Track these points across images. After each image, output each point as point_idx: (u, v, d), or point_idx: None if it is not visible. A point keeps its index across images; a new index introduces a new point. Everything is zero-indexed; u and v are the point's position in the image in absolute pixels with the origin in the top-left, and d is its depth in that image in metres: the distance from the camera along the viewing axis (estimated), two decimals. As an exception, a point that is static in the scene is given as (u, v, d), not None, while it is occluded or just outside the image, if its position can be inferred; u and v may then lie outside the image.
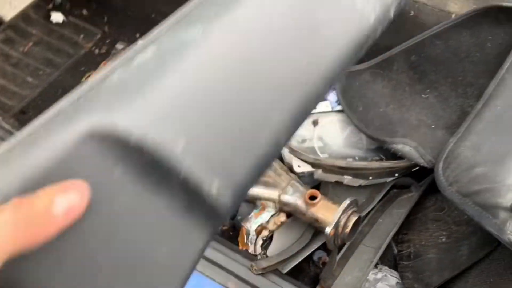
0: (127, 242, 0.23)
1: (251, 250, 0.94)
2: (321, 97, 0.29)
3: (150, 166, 0.23)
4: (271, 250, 0.92)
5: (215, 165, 0.24)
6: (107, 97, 0.23)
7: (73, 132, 0.22)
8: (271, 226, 0.93)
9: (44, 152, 0.21)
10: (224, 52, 0.26)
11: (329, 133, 1.01)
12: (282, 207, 0.93)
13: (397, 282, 0.92)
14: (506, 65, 0.88)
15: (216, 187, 0.24)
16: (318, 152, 0.99)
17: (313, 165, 0.97)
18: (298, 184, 0.93)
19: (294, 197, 0.92)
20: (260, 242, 0.93)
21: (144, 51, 0.24)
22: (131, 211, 0.23)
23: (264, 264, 0.82)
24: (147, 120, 0.23)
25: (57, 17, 1.31)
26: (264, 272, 0.82)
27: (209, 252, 0.84)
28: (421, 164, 0.91)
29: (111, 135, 0.22)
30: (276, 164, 0.97)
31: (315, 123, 1.01)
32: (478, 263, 0.85)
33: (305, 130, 1.01)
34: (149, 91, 0.23)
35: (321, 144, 1.00)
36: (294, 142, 1.01)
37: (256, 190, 0.94)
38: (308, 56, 0.27)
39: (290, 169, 1.00)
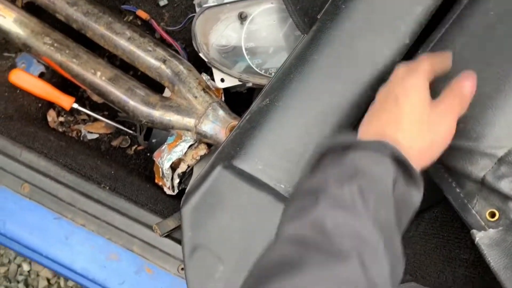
0: None
1: (168, 186, 0.78)
2: None
3: None
4: (192, 188, 0.77)
5: None
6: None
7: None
8: (189, 160, 0.75)
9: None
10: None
11: (262, 29, 0.74)
12: (201, 138, 0.73)
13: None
14: None
15: None
16: (247, 58, 0.74)
17: (240, 79, 0.74)
18: (219, 109, 0.72)
19: (214, 128, 0.72)
20: (176, 179, 0.76)
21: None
22: None
23: (170, 224, 0.67)
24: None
25: None
26: (169, 233, 0.67)
27: (107, 214, 0.68)
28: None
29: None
30: (192, 80, 0.73)
31: (242, 17, 0.73)
32: (433, 206, 0.71)
33: (231, 29, 0.74)
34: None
35: (252, 45, 0.75)
36: (215, 47, 0.75)
37: (167, 117, 0.73)
38: None
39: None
